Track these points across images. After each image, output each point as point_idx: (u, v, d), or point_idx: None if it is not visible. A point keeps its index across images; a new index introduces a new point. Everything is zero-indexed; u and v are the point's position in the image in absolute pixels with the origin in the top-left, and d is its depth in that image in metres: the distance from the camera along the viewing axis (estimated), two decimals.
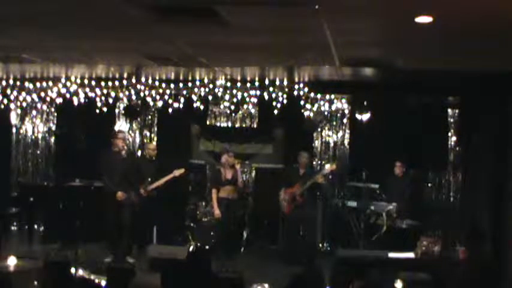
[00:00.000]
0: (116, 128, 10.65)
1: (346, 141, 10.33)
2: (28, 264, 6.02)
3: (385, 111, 9.44)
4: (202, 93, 9.63)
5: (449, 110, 9.78)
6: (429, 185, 9.84)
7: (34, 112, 11.06)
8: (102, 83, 9.73)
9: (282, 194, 9.02)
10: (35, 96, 10.13)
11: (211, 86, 9.46)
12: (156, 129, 10.91)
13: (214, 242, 8.77)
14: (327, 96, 9.84)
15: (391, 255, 7.08)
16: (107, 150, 8.54)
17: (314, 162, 10.18)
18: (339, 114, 10.28)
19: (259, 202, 10.10)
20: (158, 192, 9.15)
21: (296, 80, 9.09)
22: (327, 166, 9.14)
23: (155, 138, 10.90)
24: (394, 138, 9.37)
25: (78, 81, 9.66)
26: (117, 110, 10.74)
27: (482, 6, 4.43)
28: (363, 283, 4.72)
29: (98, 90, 9.81)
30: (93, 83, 9.72)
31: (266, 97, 9.41)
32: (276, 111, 9.55)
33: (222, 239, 8.73)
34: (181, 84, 9.66)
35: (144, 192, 8.85)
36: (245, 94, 9.60)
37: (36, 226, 9.97)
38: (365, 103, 9.52)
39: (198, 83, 9.49)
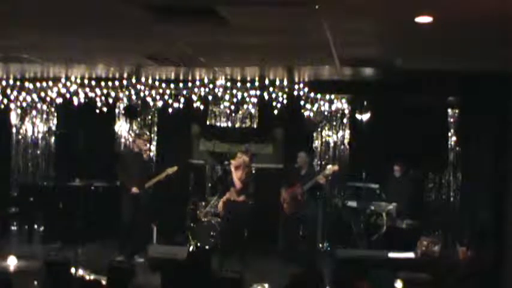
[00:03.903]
0: (116, 128, 10.68)
1: (346, 141, 10.32)
2: (28, 264, 6.01)
3: (385, 111, 9.44)
4: (202, 93, 9.63)
5: (449, 110, 9.77)
6: (429, 185, 9.84)
7: (34, 112, 11.05)
8: (102, 83, 9.73)
9: (282, 193, 9.01)
10: (35, 96, 10.13)
11: (211, 86, 9.46)
12: (156, 129, 10.90)
13: (214, 242, 8.74)
14: (327, 96, 9.83)
15: (391, 255, 7.08)
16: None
17: (314, 162, 10.17)
18: (339, 114, 10.27)
19: (259, 202, 10.08)
20: (158, 192, 9.13)
21: (296, 80, 9.09)
22: (329, 167, 9.07)
23: (155, 138, 10.89)
24: (394, 138, 9.36)
25: (78, 81, 9.66)
26: (117, 110, 10.74)
27: (482, 6, 4.43)
28: (363, 283, 4.72)
29: (98, 90, 9.81)
30: (93, 83, 9.72)
31: (266, 97, 9.40)
32: (276, 111, 9.55)
33: (222, 240, 8.70)
34: (181, 84, 9.66)
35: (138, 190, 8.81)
36: (245, 94, 9.60)
37: (36, 226, 9.96)
38: (365, 103, 9.52)
39: (198, 83, 9.50)
